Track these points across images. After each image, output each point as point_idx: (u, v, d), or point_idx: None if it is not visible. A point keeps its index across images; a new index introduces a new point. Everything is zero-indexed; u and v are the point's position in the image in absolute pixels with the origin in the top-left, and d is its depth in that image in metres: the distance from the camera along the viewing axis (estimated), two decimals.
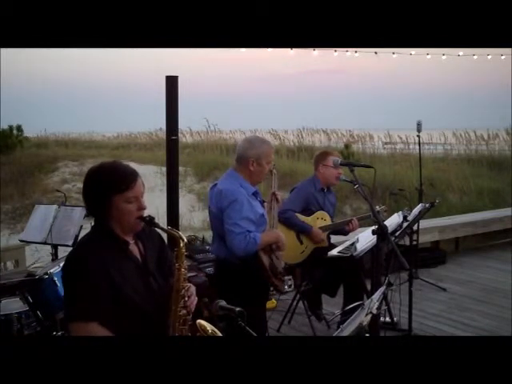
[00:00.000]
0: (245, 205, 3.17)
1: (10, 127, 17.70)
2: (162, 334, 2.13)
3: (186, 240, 2.20)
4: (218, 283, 3.43)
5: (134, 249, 2.21)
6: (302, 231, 4.42)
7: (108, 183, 2.10)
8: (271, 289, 3.61)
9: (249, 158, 3.25)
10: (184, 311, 2.16)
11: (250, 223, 3.19)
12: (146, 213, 2.19)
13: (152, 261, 2.25)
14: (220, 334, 2.07)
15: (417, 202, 5.50)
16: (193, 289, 2.25)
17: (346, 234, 4.69)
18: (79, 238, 3.91)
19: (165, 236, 2.39)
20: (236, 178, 3.28)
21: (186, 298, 2.18)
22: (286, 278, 5.39)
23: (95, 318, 1.99)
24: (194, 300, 2.23)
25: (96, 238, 2.16)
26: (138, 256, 2.22)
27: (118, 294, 2.05)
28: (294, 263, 4.52)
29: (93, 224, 2.24)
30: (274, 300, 5.13)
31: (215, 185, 3.37)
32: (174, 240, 2.21)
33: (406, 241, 5.10)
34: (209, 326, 2.08)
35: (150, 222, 2.16)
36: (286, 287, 5.61)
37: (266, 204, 3.50)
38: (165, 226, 2.25)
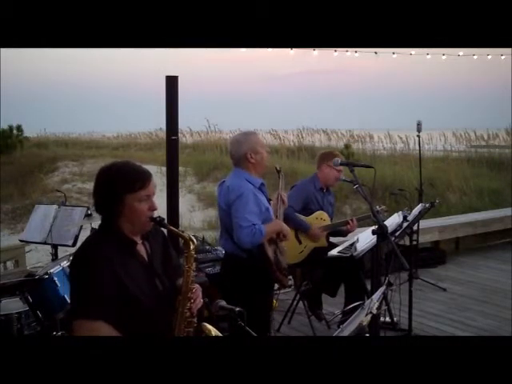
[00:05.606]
0: (251, 199, 3.26)
1: (10, 127, 17.70)
2: (165, 334, 2.13)
3: (196, 242, 2.20)
4: (225, 277, 3.52)
5: (141, 249, 2.21)
6: (300, 228, 4.41)
7: (122, 182, 2.11)
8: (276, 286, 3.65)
9: (245, 153, 3.36)
10: (189, 313, 2.16)
11: (256, 216, 3.27)
12: None
13: (158, 261, 2.25)
14: None
15: (417, 202, 5.50)
16: (199, 291, 2.25)
17: (344, 235, 4.69)
18: (79, 238, 3.91)
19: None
20: (242, 174, 3.38)
21: (192, 301, 2.18)
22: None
23: (100, 316, 1.99)
24: (199, 303, 2.23)
25: (104, 236, 2.15)
26: (145, 256, 2.22)
27: (124, 294, 2.05)
28: (292, 263, 4.51)
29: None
30: (274, 300, 5.12)
31: (223, 182, 3.48)
32: (184, 242, 2.21)
33: (406, 241, 5.10)
34: (213, 331, 2.07)
35: (161, 222, 2.18)
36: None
37: (271, 202, 3.53)
38: (175, 228, 2.25)
